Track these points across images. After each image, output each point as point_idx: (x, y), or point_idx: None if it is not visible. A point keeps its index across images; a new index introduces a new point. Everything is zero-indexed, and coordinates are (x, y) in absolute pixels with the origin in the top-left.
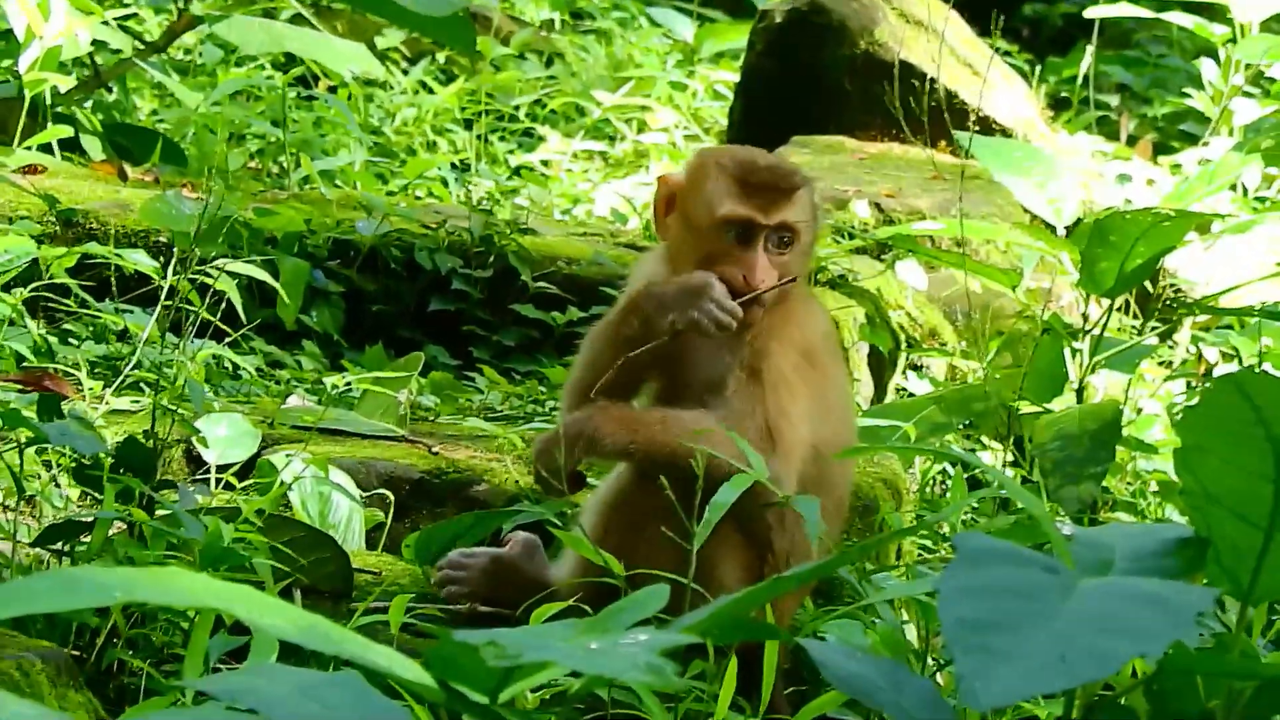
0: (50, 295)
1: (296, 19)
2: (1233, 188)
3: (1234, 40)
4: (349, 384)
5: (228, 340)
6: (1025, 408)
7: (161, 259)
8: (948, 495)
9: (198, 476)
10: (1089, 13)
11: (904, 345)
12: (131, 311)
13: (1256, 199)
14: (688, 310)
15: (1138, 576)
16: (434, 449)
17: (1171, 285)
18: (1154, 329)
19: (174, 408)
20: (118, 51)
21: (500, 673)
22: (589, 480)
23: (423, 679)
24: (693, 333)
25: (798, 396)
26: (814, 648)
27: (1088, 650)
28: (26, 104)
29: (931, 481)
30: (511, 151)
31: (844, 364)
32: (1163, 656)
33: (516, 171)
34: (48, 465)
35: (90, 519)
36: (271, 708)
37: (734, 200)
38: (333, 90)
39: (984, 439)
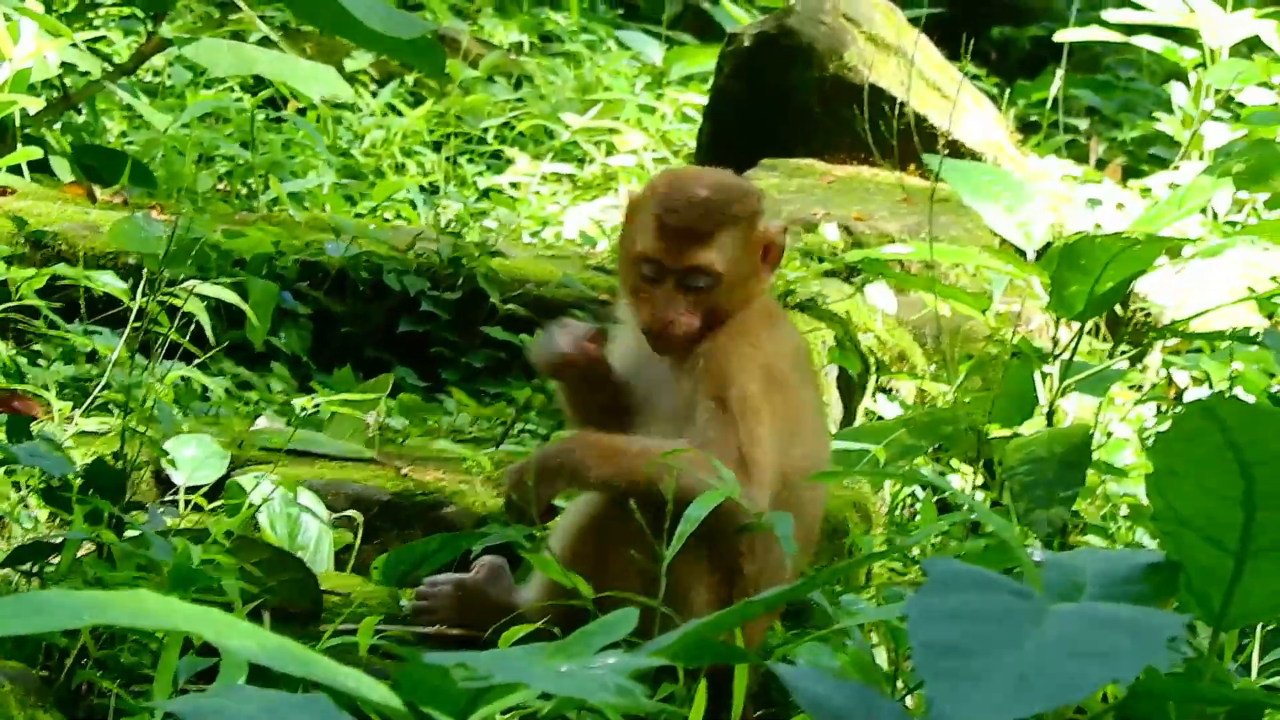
0: (19, 317)
1: (265, 41)
2: (1203, 211)
3: (1204, 65)
4: (317, 405)
5: (196, 362)
6: (995, 431)
7: (130, 280)
8: (917, 518)
9: (166, 498)
10: (1058, 36)
11: (873, 368)
12: (100, 333)
13: (1227, 223)
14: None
15: (1108, 601)
16: (403, 471)
17: (1142, 309)
18: (1124, 353)
19: (142, 429)
20: (86, 74)
21: (470, 695)
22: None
23: (391, 701)
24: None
25: (765, 421)
26: (785, 672)
27: (1058, 675)
28: None
29: (901, 504)
30: (480, 174)
31: (815, 385)
32: (1134, 681)
33: (485, 194)
34: (16, 486)
35: (59, 540)
36: None
37: (647, 237)
38: (301, 113)
39: (954, 462)
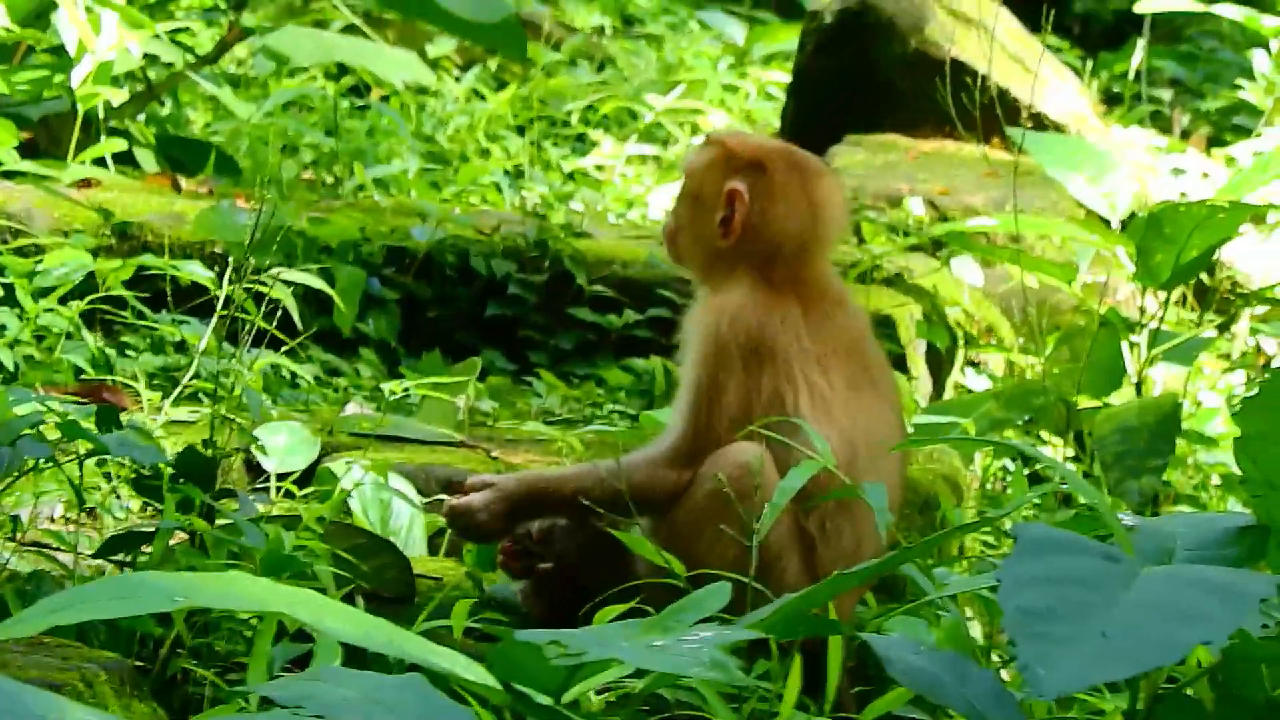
0: (107, 308)
1: (348, 29)
2: None
3: None
4: (407, 390)
5: (285, 349)
6: (1084, 402)
7: (216, 269)
8: (1008, 491)
9: (257, 485)
10: (1139, 7)
11: (961, 342)
12: (188, 322)
13: None
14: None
15: (1199, 565)
16: (493, 453)
17: (1229, 277)
18: (1211, 321)
19: (232, 417)
20: (170, 65)
21: (564, 672)
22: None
23: (486, 680)
24: None
25: (710, 396)
26: (877, 642)
27: (1150, 638)
28: (80, 118)
29: (992, 478)
30: (565, 157)
31: (866, 365)
32: (1227, 645)
33: (570, 177)
34: (108, 477)
35: (151, 529)
36: (335, 711)
37: None
38: (385, 100)
39: (1043, 434)
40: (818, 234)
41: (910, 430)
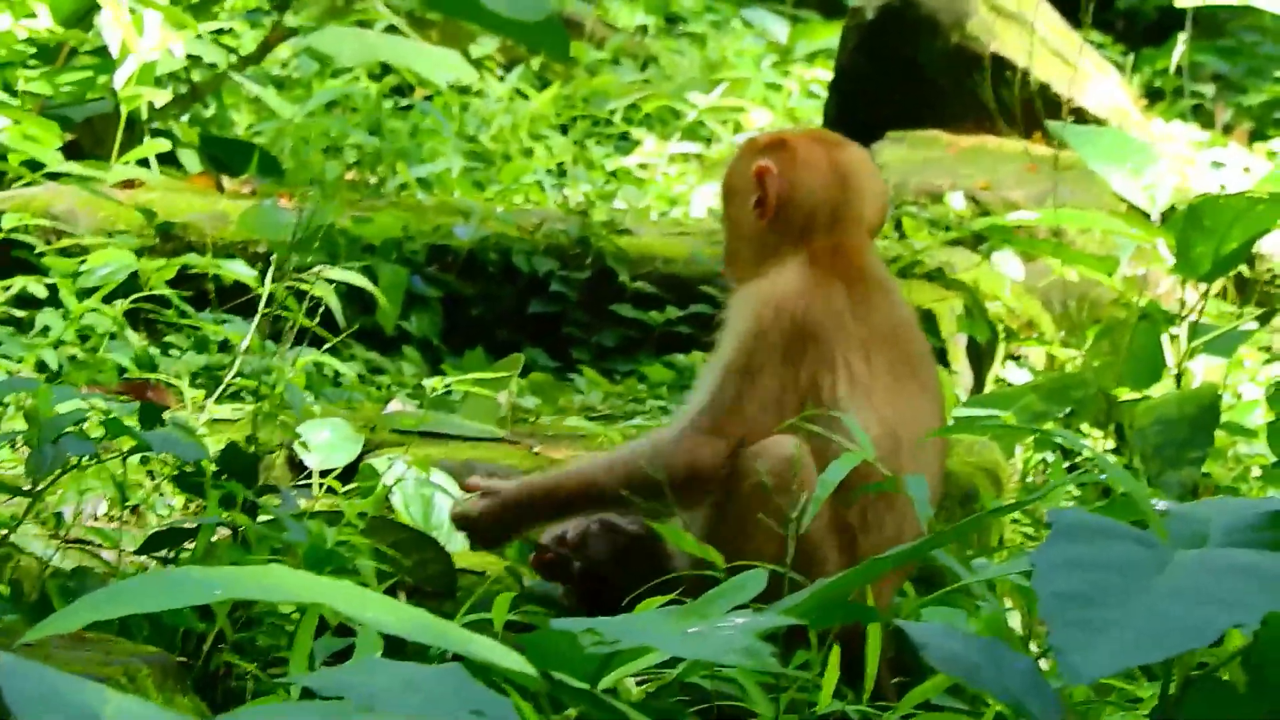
0: (150, 307)
1: (390, 30)
2: None
3: None
4: (449, 386)
5: (327, 347)
6: (1124, 395)
7: (259, 268)
8: (1049, 484)
9: (300, 482)
10: (1180, 2)
11: (1002, 336)
12: (231, 321)
13: None
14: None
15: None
16: (535, 449)
17: (1269, 269)
18: (1252, 314)
19: (275, 414)
20: (213, 66)
21: (599, 659)
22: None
23: (524, 668)
24: None
25: (743, 376)
26: (913, 629)
27: (1182, 621)
28: (123, 120)
29: (1033, 470)
30: (608, 156)
31: (909, 356)
32: (1260, 628)
33: (613, 175)
34: (151, 475)
35: (194, 526)
36: (375, 701)
37: None
38: (428, 99)
39: (1084, 427)
40: (848, 200)
41: (950, 423)
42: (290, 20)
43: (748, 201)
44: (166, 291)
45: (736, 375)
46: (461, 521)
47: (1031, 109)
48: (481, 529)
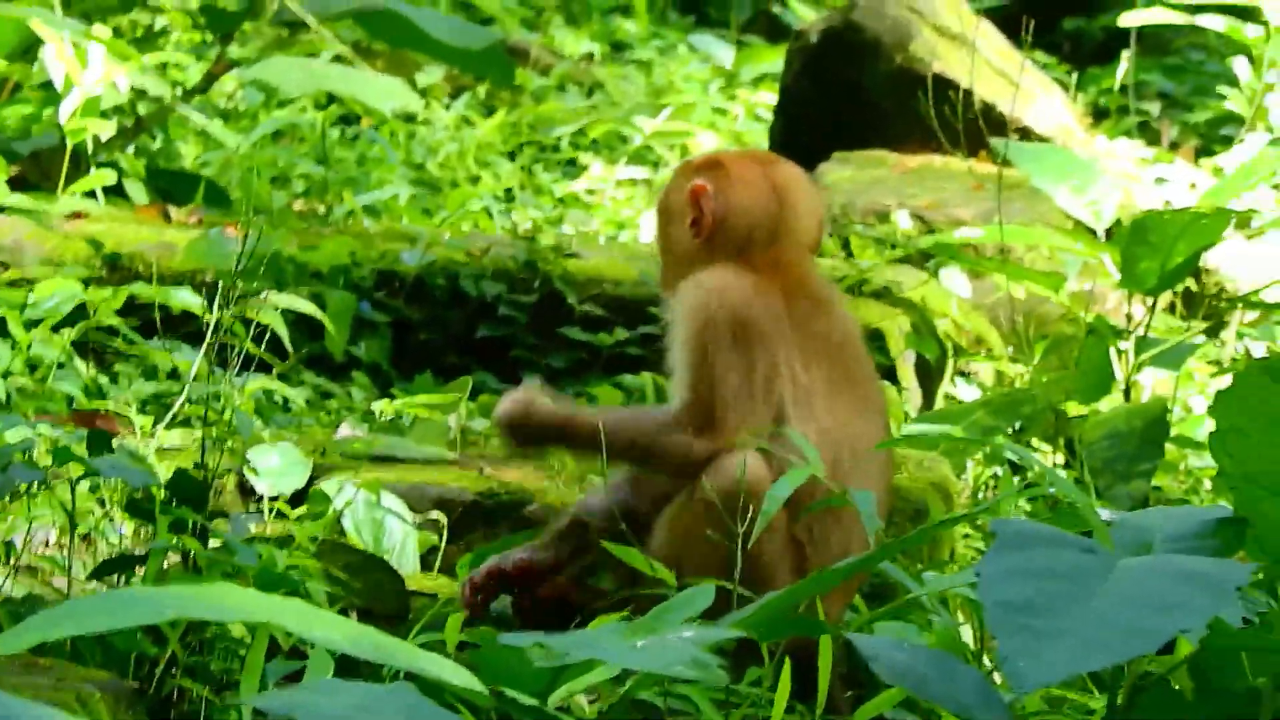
0: (98, 337)
1: (337, 60)
2: (1276, 187)
3: (1268, 40)
4: (399, 411)
5: (277, 373)
6: (1073, 409)
7: (206, 296)
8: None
9: (251, 508)
10: (1123, 20)
11: (951, 353)
12: (179, 349)
13: None
14: None
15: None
16: (485, 471)
17: (1216, 283)
18: (1198, 328)
19: (224, 440)
20: (159, 98)
21: (549, 674)
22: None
23: (473, 685)
24: None
25: (721, 364)
26: (862, 642)
27: (1130, 627)
28: (69, 152)
29: (983, 486)
30: (556, 181)
31: (846, 366)
32: (1206, 635)
33: (561, 201)
34: (101, 503)
35: (145, 552)
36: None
37: None
38: (375, 128)
39: (1033, 442)
40: (784, 217)
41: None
42: (235, 52)
43: (684, 221)
44: (114, 321)
45: (699, 370)
46: (500, 419)
47: (977, 128)
48: (511, 428)
